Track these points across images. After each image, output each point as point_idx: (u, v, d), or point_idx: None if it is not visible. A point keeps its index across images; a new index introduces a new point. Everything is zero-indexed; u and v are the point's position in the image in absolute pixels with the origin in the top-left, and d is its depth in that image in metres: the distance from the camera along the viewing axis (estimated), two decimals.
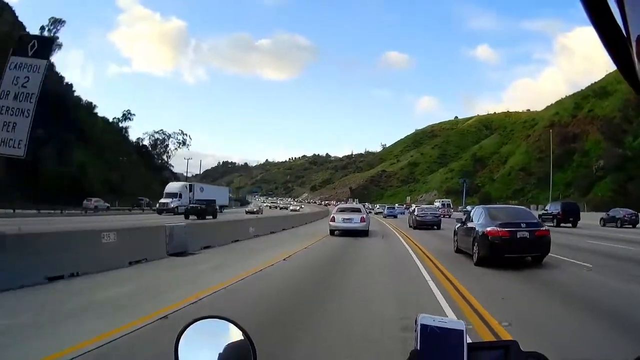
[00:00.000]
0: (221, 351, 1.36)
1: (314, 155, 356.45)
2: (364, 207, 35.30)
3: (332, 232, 24.76)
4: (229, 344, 1.38)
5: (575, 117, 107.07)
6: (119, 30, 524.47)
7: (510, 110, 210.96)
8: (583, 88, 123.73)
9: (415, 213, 34.04)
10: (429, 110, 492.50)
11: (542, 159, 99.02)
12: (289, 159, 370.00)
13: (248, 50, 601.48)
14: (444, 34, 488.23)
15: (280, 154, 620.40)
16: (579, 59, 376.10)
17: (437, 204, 69.47)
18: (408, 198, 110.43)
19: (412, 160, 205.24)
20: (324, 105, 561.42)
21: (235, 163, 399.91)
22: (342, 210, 26.63)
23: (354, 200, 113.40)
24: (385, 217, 58.46)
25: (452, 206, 77.64)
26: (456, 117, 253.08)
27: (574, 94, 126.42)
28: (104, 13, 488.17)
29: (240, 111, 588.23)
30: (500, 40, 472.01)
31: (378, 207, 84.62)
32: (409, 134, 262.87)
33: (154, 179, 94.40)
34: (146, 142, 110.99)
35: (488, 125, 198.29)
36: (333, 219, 25.07)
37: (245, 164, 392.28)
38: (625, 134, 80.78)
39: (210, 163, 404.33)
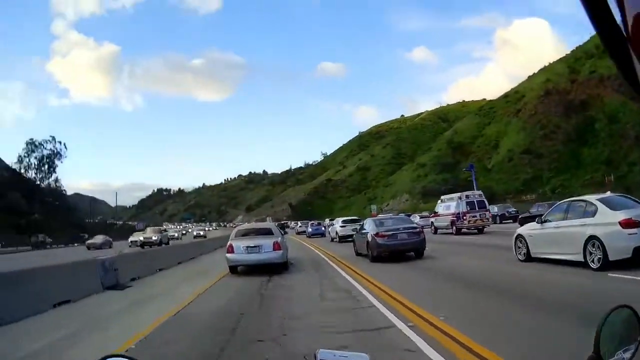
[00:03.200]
0: None
1: (250, 173, 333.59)
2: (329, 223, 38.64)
3: (232, 269, 16.47)
4: None
5: (574, 81, 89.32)
6: (55, 60, 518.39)
7: (466, 100, 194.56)
8: (569, 52, 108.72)
9: (370, 231, 18.55)
10: (369, 117, 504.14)
11: (549, 136, 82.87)
12: (224, 180, 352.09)
13: (182, 71, 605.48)
14: (377, 39, 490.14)
15: (217, 177, 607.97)
16: (520, 52, 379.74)
17: (416, 218, 49.68)
18: (373, 208, 77.04)
19: (362, 164, 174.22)
20: (260, 123, 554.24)
21: (170, 190, 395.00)
22: (243, 235, 17.47)
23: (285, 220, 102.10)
24: (309, 236, 48.12)
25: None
26: (402, 115, 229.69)
27: (561, 59, 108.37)
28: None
29: (177, 136, 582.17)
30: (437, 40, 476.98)
31: (299, 224, 72.82)
32: (352, 138, 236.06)
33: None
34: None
35: (444, 117, 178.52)
36: (230, 249, 16.21)
37: (180, 190, 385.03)
38: None
39: (146, 192, 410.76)
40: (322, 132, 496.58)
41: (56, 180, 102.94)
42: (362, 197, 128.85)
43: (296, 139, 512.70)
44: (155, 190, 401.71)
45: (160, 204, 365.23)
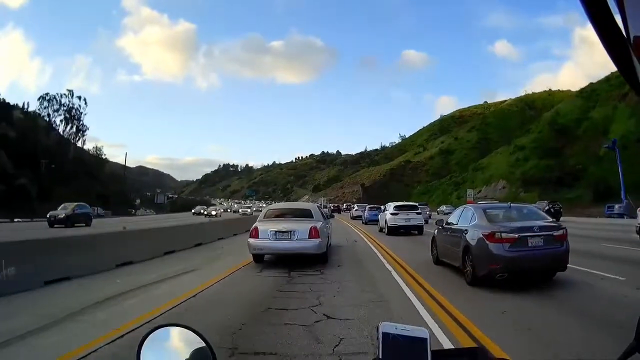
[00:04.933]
0: (183, 358, 1.38)
1: (323, 153, 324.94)
2: (382, 209, 31.30)
3: (256, 258, 13.81)
4: (191, 351, 1.38)
5: None
6: (127, 35, 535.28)
7: (553, 89, 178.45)
8: None
9: (475, 228, 10.55)
10: (449, 105, 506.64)
11: None
12: (295, 159, 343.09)
13: (261, 53, 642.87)
14: (461, 31, 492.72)
15: (288, 156, 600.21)
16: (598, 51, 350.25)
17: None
18: (470, 193, 63.71)
19: (444, 147, 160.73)
20: (337, 105, 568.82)
21: (237, 166, 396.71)
22: (275, 217, 14.98)
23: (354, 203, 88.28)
24: (366, 222, 40.11)
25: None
26: (485, 101, 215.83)
27: None
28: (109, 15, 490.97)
29: (252, 116, 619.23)
30: (518, 36, 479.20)
31: (355, 208, 62.35)
32: (433, 121, 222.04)
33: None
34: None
35: (530, 104, 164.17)
36: (255, 233, 13.44)
37: (248, 166, 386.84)
38: None
39: (211, 168, 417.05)
40: (400, 116, 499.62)
41: (84, 142, 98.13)
42: (446, 182, 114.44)
43: (373, 122, 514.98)
44: (221, 165, 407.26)
45: (225, 180, 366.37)
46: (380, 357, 1.03)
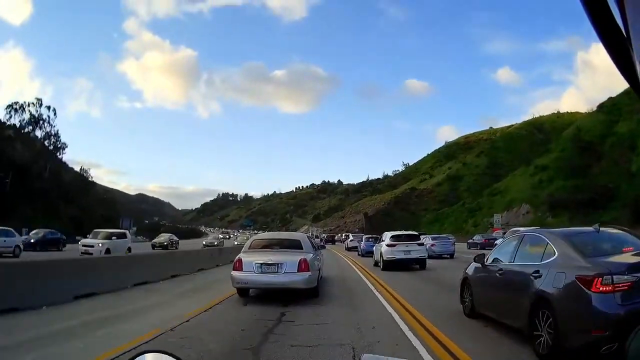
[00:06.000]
0: None
1: (324, 182, 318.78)
2: (369, 239, 35.59)
3: (241, 292, 13.10)
4: None
5: None
6: (128, 61, 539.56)
7: (561, 111, 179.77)
8: None
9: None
10: (452, 133, 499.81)
11: None
12: (295, 188, 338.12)
13: (263, 82, 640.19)
14: (462, 59, 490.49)
15: (288, 186, 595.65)
16: (601, 76, 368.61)
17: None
18: (497, 219, 55.81)
19: (452, 173, 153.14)
20: (338, 135, 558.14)
21: (236, 195, 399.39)
22: (262, 247, 14.11)
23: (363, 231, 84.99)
24: (362, 255, 36.62)
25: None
26: (490, 127, 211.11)
27: None
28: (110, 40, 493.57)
29: (253, 145, 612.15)
30: (520, 62, 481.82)
31: (351, 238, 58.21)
32: (437, 148, 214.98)
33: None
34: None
35: (539, 127, 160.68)
36: (238, 265, 12.63)
37: (247, 195, 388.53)
38: None
39: (211, 197, 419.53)
40: (402, 145, 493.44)
41: (60, 160, 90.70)
42: (459, 209, 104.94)
43: (375, 151, 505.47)
44: (220, 194, 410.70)
45: (224, 209, 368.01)
46: None
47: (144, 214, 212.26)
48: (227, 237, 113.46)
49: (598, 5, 0.72)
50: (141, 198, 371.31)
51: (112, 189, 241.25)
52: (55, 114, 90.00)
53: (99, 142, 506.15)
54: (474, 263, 9.97)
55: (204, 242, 63.17)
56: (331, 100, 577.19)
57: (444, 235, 40.09)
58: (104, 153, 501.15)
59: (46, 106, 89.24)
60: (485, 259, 9.44)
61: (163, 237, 54.71)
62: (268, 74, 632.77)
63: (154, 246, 49.48)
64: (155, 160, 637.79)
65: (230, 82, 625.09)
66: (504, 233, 43.41)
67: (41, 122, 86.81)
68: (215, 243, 62.06)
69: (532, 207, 72.89)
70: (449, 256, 33.54)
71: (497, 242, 33.08)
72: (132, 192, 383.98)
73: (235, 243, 59.27)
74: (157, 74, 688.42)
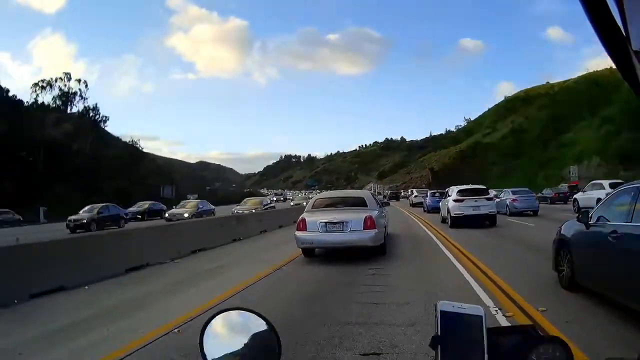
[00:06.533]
0: (246, 341, 1.38)
1: (387, 140, 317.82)
2: (435, 194, 34.95)
3: (306, 253, 13.06)
4: (254, 333, 1.40)
5: None
6: (176, 35, 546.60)
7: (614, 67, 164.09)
8: None
9: None
10: (507, 89, 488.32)
11: None
12: (359, 147, 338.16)
13: (317, 46, 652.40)
14: (515, 17, 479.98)
15: (351, 145, 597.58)
16: None
17: None
18: (573, 171, 59.08)
19: (515, 126, 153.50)
20: (398, 94, 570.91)
21: (299, 157, 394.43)
22: (325, 206, 13.67)
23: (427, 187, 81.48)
24: (428, 211, 35.73)
25: None
26: (547, 82, 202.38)
27: None
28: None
29: (313, 107, 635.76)
30: (570, 20, 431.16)
31: (415, 194, 57.96)
32: (497, 102, 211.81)
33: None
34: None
35: (596, 81, 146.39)
36: (302, 226, 12.45)
37: (310, 156, 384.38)
38: None
39: (274, 160, 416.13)
40: (461, 101, 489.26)
41: (97, 133, 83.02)
42: (527, 162, 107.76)
43: (434, 108, 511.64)
44: (283, 156, 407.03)
45: (287, 171, 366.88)
46: (439, 333, 1.08)
47: (205, 180, 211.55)
48: (282, 199, 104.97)
49: (598, 5, 0.71)
50: (202, 166, 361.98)
51: (171, 159, 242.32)
52: (87, 86, 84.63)
53: (155, 116, 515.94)
54: (572, 222, 8.16)
55: (234, 210, 35.53)
56: (387, 61, 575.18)
57: (525, 188, 35.45)
58: (161, 126, 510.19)
59: (76, 79, 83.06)
60: (590, 218, 7.17)
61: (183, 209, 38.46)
62: (322, 38, 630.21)
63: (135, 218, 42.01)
64: (215, 128, 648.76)
65: (284, 48, 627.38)
66: (577, 189, 42.66)
67: (73, 96, 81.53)
68: (246, 213, 31.46)
69: (601, 159, 75.06)
70: (532, 213, 29.64)
71: (585, 194, 29.69)
72: (193, 161, 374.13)
73: (292, 204, 54.55)
74: (208, 46, 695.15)
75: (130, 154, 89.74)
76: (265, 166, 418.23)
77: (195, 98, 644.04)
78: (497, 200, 28.95)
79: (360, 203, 13.46)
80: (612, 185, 24.65)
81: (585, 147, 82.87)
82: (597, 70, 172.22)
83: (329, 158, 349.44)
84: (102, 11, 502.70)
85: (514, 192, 31.47)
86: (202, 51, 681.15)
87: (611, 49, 0.75)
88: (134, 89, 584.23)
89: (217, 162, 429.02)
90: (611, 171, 65.30)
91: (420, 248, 14.68)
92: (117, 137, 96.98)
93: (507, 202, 30.78)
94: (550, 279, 8.44)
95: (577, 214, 8.78)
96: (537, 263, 10.47)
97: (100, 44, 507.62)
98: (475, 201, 22.05)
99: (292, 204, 58.57)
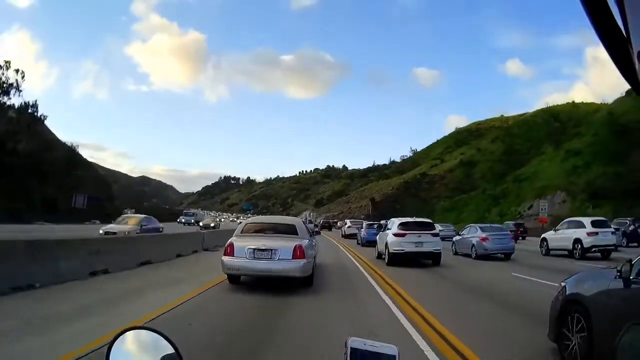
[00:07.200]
0: None
1: (328, 167, 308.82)
2: (371, 226, 33.26)
3: (231, 279, 12.48)
4: (162, 356, 1.39)
5: None
6: (135, 43, 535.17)
7: (576, 101, 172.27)
8: None
9: None
10: (457, 124, 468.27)
11: None
12: (299, 172, 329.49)
13: (271, 67, 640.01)
14: (472, 49, 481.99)
15: (292, 171, 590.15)
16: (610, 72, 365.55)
17: None
18: (543, 207, 47.83)
19: (465, 158, 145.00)
20: (346, 121, 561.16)
21: (238, 179, 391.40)
22: (255, 232, 13.41)
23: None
24: (362, 244, 33.75)
25: None
26: (502, 115, 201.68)
27: None
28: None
29: (260, 130, 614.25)
30: (529, 55, 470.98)
31: (348, 224, 51.69)
32: (448, 133, 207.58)
33: None
34: None
35: (555, 116, 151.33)
36: (229, 250, 11.83)
37: (249, 179, 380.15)
38: None
39: (213, 179, 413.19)
40: (409, 132, 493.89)
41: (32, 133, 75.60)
42: (479, 196, 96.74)
43: (381, 137, 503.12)
44: (223, 177, 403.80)
45: (225, 192, 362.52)
46: None
47: (145, 196, 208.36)
48: (192, 221, 72.49)
49: (598, 5, 0.71)
50: (144, 180, 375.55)
51: (114, 170, 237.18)
52: (23, 77, 74.81)
53: (104, 125, 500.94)
54: (587, 274, 6.77)
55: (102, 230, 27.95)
56: (339, 87, 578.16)
57: (497, 225, 31.48)
58: (109, 136, 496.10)
59: (14, 69, 74.20)
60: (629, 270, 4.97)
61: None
62: (277, 59, 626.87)
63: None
64: (161, 143, 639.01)
65: (238, 66, 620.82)
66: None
67: (9, 88, 73.04)
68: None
69: (568, 195, 64.99)
70: (503, 256, 23.99)
71: (558, 234, 25.38)
72: (136, 175, 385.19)
73: (201, 224, 55.12)
74: (164, 58, 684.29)
75: (67, 160, 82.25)
76: (204, 186, 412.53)
77: (146, 110, 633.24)
78: (458, 237, 27.73)
79: (291, 231, 13.04)
80: (594, 223, 23.42)
81: (548, 182, 72.98)
82: (557, 105, 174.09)
83: (268, 182, 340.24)
84: (66, 11, 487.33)
85: (483, 229, 25.71)
86: (158, 62, 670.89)
87: (611, 49, 0.75)
88: (87, 95, 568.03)
89: (158, 179, 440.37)
90: (578, 208, 58.62)
91: (352, 280, 14.46)
92: (58, 139, 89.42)
93: (474, 242, 25.15)
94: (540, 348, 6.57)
95: (616, 269, 5.49)
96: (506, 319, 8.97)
97: (59, 47, 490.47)
98: (419, 236, 19.86)
99: (201, 224, 56.14)
